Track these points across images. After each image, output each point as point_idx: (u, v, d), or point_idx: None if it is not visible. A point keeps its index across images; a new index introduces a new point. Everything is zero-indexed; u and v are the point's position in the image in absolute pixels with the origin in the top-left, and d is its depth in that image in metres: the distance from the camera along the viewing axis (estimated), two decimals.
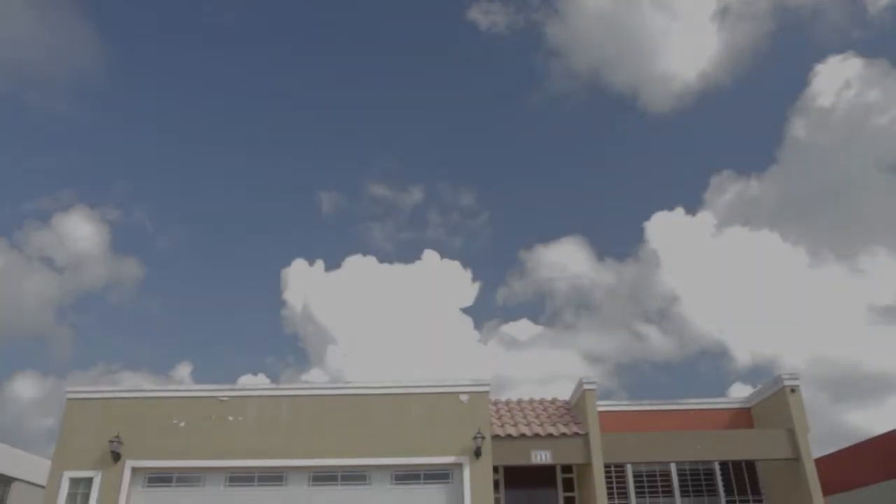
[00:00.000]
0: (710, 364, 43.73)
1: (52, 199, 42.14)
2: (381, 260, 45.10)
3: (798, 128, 40.38)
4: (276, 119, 42.76)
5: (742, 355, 41.99)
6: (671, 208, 44.46)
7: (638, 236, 45.32)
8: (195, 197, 42.75)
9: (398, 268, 43.43)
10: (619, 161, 43.36)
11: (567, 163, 44.13)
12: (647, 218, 45.11)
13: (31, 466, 16.84)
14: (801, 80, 44.77)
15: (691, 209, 46.85)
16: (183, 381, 30.38)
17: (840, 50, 44.50)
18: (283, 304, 43.76)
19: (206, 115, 41.98)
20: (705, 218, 43.79)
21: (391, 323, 42.31)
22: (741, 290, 41.11)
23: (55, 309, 43.16)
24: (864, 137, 36.56)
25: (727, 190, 43.31)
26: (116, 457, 11.55)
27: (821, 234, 42.46)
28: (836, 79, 38.82)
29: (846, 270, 40.60)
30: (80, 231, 41.08)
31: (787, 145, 41.57)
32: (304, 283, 42.96)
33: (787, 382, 12.32)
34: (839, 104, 37.88)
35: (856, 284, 39.65)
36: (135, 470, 11.65)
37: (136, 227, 42.66)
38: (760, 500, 12.89)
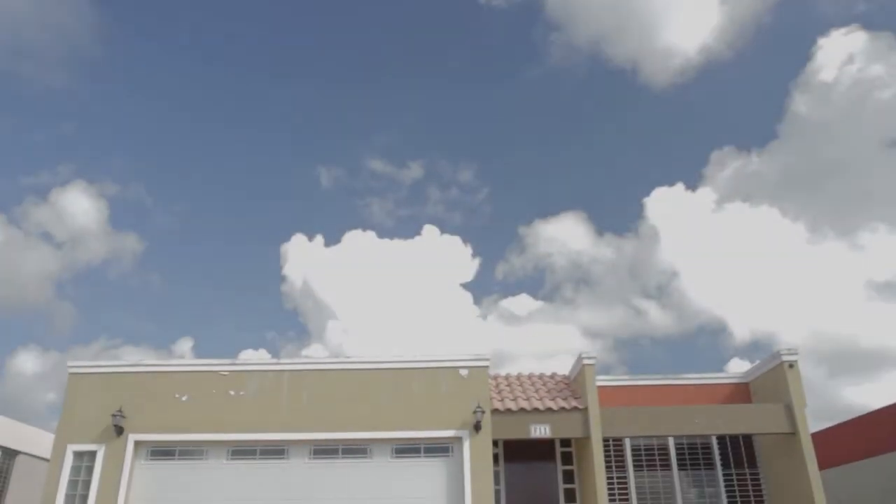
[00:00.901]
0: (708, 339, 43.94)
1: (49, 174, 41.96)
2: (381, 235, 45.08)
3: (799, 103, 40.11)
4: (275, 93, 42.49)
5: (740, 331, 42.19)
6: (671, 184, 44.36)
7: (638, 212, 45.22)
8: (194, 172, 42.64)
9: (398, 243, 43.44)
10: (620, 136, 43.12)
11: (567, 138, 43.92)
12: (647, 194, 45.07)
13: (34, 440, 17.02)
14: (803, 54, 44.36)
15: (691, 185, 46.77)
16: (184, 356, 30.47)
17: (844, 23, 43.96)
18: (283, 279, 43.84)
19: (205, 90, 41.70)
20: (705, 194, 43.69)
21: (391, 298, 42.43)
22: (740, 266, 41.17)
23: (55, 284, 43.28)
24: (866, 112, 36.32)
25: (727, 165, 43.14)
26: (119, 430, 11.66)
27: (821, 210, 42.41)
28: (839, 53, 38.46)
29: (846, 246, 40.60)
30: (79, 206, 41.02)
31: (788, 120, 41.32)
32: (303, 258, 43.01)
33: (785, 358, 12.38)
34: (842, 78, 37.57)
35: (855, 260, 39.69)
36: (137, 443, 11.77)
37: (134, 203, 42.58)
38: (757, 474, 13.03)
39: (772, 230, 40.79)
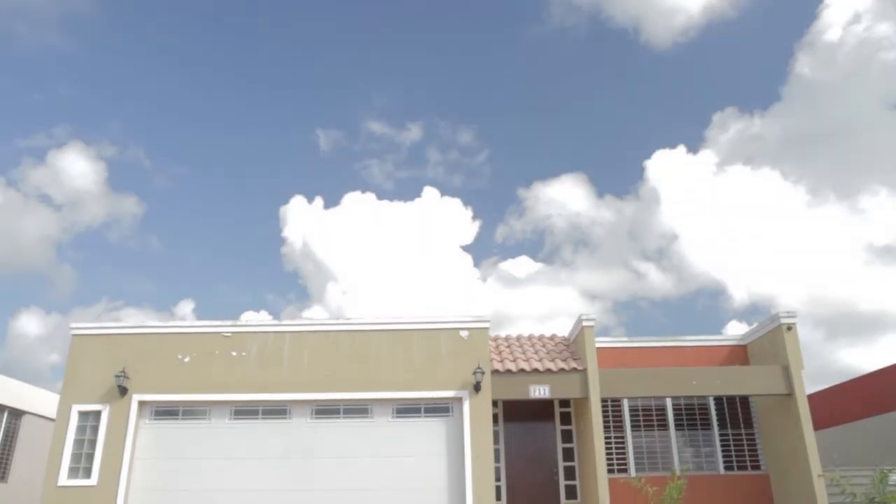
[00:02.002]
0: (707, 302, 44.15)
1: (46, 136, 41.59)
2: (381, 197, 44.95)
3: (804, 64, 39.63)
4: (273, 55, 41.89)
5: (739, 294, 42.39)
6: (673, 146, 44.09)
7: (638, 174, 45.02)
8: (192, 134, 42.27)
9: (398, 205, 43.35)
10: (621, 97, 42.60)
11: (567, 99, 43.47)
12: (648, 156, 44.84)
13: (40, 400, 17.23)
14: (809, 14, 43.53)
15: (693, 147, 46.46)
16: (185, 317, 30.69)
17: None
18: (282, 241, 43.87)
19: (204, 51, 41.08)
20: (707, 156, 43.45)
21: (391, 260, 42.51)
22: (740, 229, 41.18)
23: (55, 246, 43.31)
24: (871, 73, 35.90)
25: (729, 128, 42.82)
26: (123, 391, 11.79)
27: (822, 173, 42.24)
28: (845, 12, 37.86)
29: (846, 210, 40.54)
30: (77, 168, 40.79)
31: (791, 82, 40.88)
32: (303, 220, 42.98)
33: (783, 320, 12.45)
34: (847, 39, 37.04)
35: (855, 224, 39.67)
36: (141, 403, 11.92)
37: (132, 165, 42.31)
38: (752, 434, 13.22)
39: (772, 193, 40.68)
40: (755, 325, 13.65)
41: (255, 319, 13.91)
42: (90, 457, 11.57)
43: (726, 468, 12.93)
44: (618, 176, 47.76)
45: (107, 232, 43.64)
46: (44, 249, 41.58)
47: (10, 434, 16.45)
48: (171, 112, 40.87)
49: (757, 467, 12.96)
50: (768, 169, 42.22)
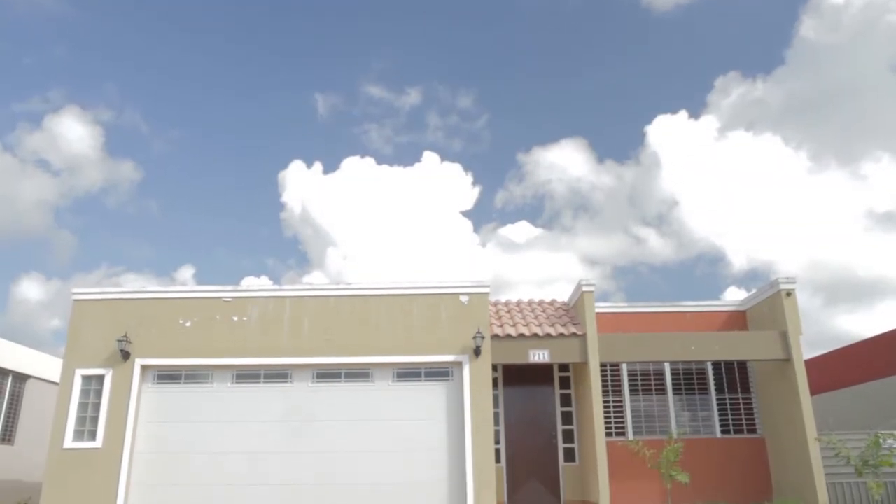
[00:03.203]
0: (706, 268, 44.26)
1: (42, 100, 41.26)
2: (380, 162, 44.75)
3: (808, 27, 39.09)
4: (271, 19, 41.26)
5: (738, 260, 42.46)
6: (674, 111, 43.77)
7: (639, 139, 44.77)
8: (189, 99, 41.91)
9: (397, 170, 43.18)
10: (622, 61, 42.11)
11: (568, 63, 42.94)
12: (649, 121, 44.52)
13: (43, 364, 17.37)
14: None
15: (694, 112, 46.08)
16: (186, 282, 30.82)
17: None
18: (282, 206, 43.80)
19: (199, 14, 40.45)
20: (708, 122, 43.13)
21: (391, 225, 42.51)
22: (741, 195, 41.08)
23: (53, 212, 43.27)
24: (876, 36, 35.46)
25: (731, 92, 42.42)
26: (126, 355, 11.88)
27: (824, 138, 41.98)
28: None
29: (847, 176, 40.37)
30: (73, 133, 40.60)
31: (796, 45, 40.39)
32: (302, 185, 42.87)
33: (783, 286, 12.48)
34: (853, 1, 36.49)
35: (856, 190, 39.54)
36: (144, 367, 12.02)
37: (129, 129, 42.07)
38: (749, 398, 13.35)
39: (773, 159, 40.48)
40: (754, 290, 13.70)
41: (256, 285, 13.95)
42: (94, 420, 11.71)
43: (723, 432, 13.09)
44: (618, 141, 47.51)
45: (105, 197, 43.58)
46: (42, 215, 41.58)
47: (15, 398, 16.63)
48: (167, 76, 40.46)
49: (753, 431, 13.12)
50: (770, 134, 41.94)
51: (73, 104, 42.40)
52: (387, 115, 46.05)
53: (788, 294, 12.46)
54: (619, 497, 11.68)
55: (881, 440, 10.39)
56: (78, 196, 44.29)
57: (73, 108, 42.24)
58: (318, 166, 43.02)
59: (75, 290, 12.47)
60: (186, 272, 43.53)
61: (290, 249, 48.94)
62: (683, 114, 42.07)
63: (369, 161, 42.74)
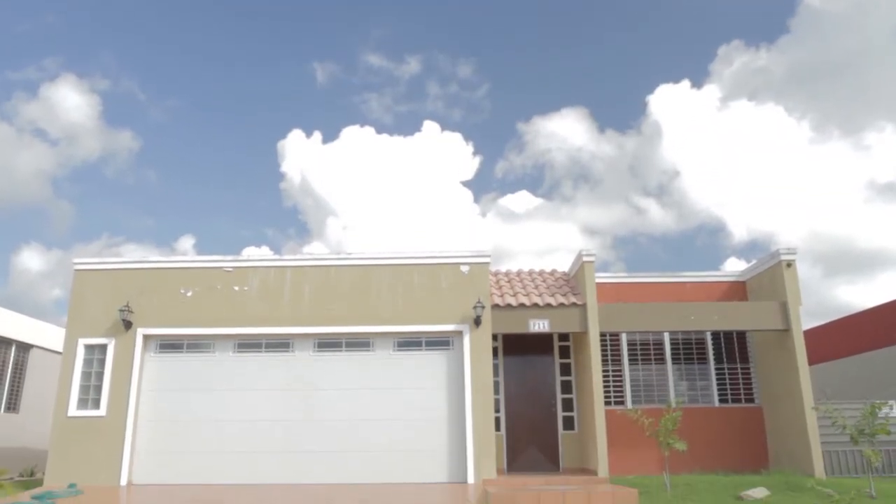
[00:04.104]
0: (707, 239, 44.26)
1: (37, 68, 40.83)
2: (380, 131, 44.48)
3: None
4: None
5: (739, 230, 42.44)
6: (676, 81, 43.31)
7: (640, 109, 44.43)
8: (186, 67, 41.47)
9: (397, 140, 42.94)
10: (624, 29, 41.59)
11: (569, 31, 42.42)
12: (651, 91, 44.12)
13: (46, 334, 17.47)
14: None
15: (697, 82, 45.66)
16: (187, 252, 30.82)
17: None
18: (281, 176, 43.67)
19: None
20: (710, 91, 42.76)
21: (391, 195, 42.40)
22: (742, 166, 40.89)
23: (52, 182, 43.15)
24: (882, 5, 34.97)
25: (734, 61, 41.98)
26: (128, 325, 11.94)
27: (828, 108, 41.65)
28: None
29: (850, 146, 40.13)
30: (70, 101, 40.30)
31: (800, 13, 39.85)
32: (301, 154, 42.66)
33: (783, 257, 12.48)
34: None
35: (858, 160, 39.33)
36: (146, 337, 12.09)
37: (126, 98, 41.74)
38: (748, 368, 13.44)
39: (775, 129, 40.21)
40: (754, 261, 13.70)
41: (257, 255, 13.98)
42: (98, 388, 11.82)
43: (721, 401, 13.20)
44: (619, 110, 47.16)
45: (103, 167, 43.42)
46: (40, 185, 41.47)
47: (19, 367, 16.76)
48: (163, 44, 39.99)
49: (751, 400, 13.23)
50: (772, 104, 41.61)
51: (69, 72, 42.03)
52: (386, 84, 45.65)
53: (789, 265, 12.47)
54: (617, 465, 11.82)
55: (877, 409, 10.48)
56: (76, 166, 44.15)
57: (69, 77, 41.90)
58: (317, 136, 42.80)
59: (76, 261, 12.49)
60: (186, 242, 43.58)
61: (290, 219, 48.91)
62: (686, 83, 41.68)
63: (369, 130, 42.50)
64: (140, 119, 42.51)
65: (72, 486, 10.81)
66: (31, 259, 43.01)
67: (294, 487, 10.96)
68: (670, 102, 40.92)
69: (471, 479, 11.11)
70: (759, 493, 10.06)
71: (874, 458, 9.99)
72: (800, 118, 42.87)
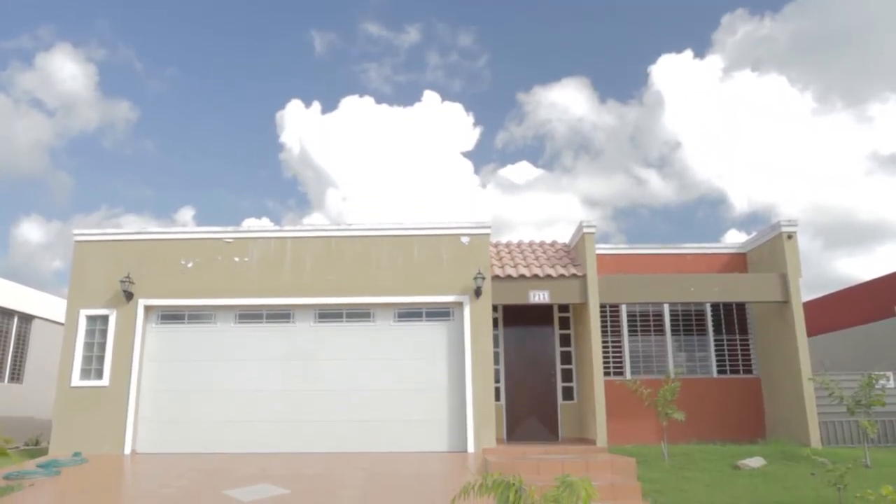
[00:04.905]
0: (707, 211, 44.19)
1: (31, 37, 40.35)
2: (379, 101, 44.15)
3: None
4: None
5: (740, 202, 42.36)
6: (679, 51, 42.85)
7: (642, 79, 44.01)
8: (183, 36, 40.99)
9: (397, 110, 42.63)
10: None
11: (570, 0, 41.84)
12: (654, 61, 43.63)
13: (48, 305, 17.54)
14: None
15: (700, 52, 45.15)
16: (186, 224, 30.79)
17: None
18: (280, 147, 43.46)
19: None
20: (713, 61, 42.32)
21: (391, 166, 42.22)
22: (744, 137, 40.65)
23: (49, 153, 42.96)
24: None
25: (738, 30, 41.48)
26: (129, 296, 11.97)
27: (831, 79, 41.26)
28: None
29: (853, 118, 39.84)
30: (66, 71, 39.93)
31: None
32: (300, 125, 42.39)
33: (784, 228, 12.46)
34: None
35: (861, 132, 39.07)
36: (147, 308, 12.13)
37: (123, 68, 41.33)
38: (747, 340, 13.50)
39: (778, 100, 39.88)
40: (755, 233, 13.69)
41: (257, 226, 13.96)
42: (100, 359, 11.90)
43: (719, 372, 13.29)
44: (621, 81, 46.69)
45: (101, 138, 43.19)
46: (38, 156, 41.30)
47: (22, 338, 16.85)
48: (159, 13, 39.47)
49: (749, 371, 13.32)
50: (775, 74, 41.20)
51: (65, 41, 41.60)
52: (386, 53, 45.17)
53: (790, 237, 12.46)
54: (615, 434, 11.94)
55: (874, 381, 10.56)
56: (74, 136, 43.91)
57: (65, 46, 41.45)
58: (316, 106, 42.48)
59: (76, 232, 12.48)
60: (186, 213, 43.56)
61: (290, 191, 48.82)
62: (688, 53, 41.29)
63: (368, 101, 42.19)
64: (137, 89, 42.20)
65: (76, 454, 10.94)
66: (31, 230, 43.05)
67: (296, 456, 11.09)
68: (673, 73, 40.55)
69: (471, 448, 11.24)
70: (756, 462, 10.19)
71: (870, 429, 10.08)
72: (803, 89, 42.52)
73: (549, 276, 12.33)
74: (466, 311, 11.82)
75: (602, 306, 12.83)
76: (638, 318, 13.54)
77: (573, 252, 13.68)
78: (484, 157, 48.55)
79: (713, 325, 13.56)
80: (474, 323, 11.77)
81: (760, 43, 41.44)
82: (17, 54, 40.10)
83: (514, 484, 3.97)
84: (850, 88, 40.84)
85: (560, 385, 13.16)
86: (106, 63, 41.51)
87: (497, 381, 12.73)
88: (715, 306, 13.62)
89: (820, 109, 42.32)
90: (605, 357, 12.86)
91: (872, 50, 37.23)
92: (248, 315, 12.26)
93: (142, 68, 41.25)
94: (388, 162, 42.37)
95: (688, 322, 13.57)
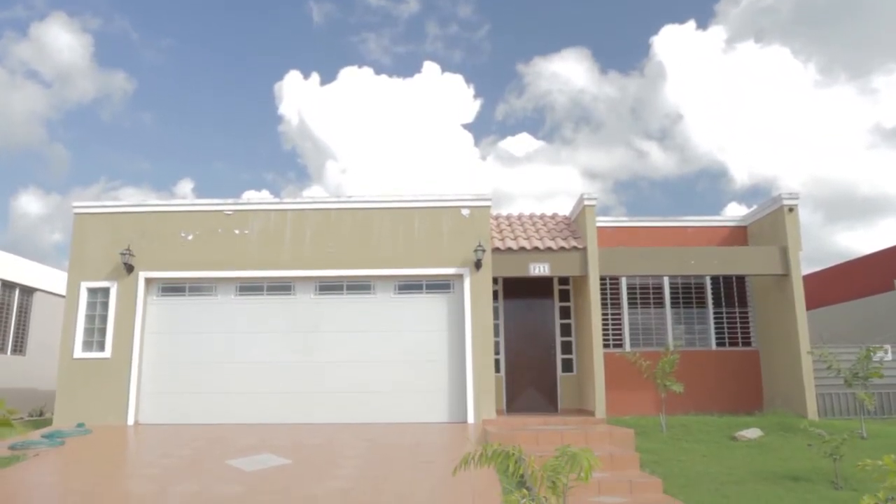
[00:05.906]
0: (708, 183, 44.05)
1: (25, 7, 39.88)
2: (378, 72, 43.72)
3: None
4: None
5: (740, 175, 42.19)
6: (682, 21, 42.35)
7: (644, 50, 43.59)
8: (179, 6, 40.52)
9: (396, 81, 42.26)
10: None
11: None
12: (656, 31, 43.18)
13: (49, 277, 17.57)
14: None
15: (702, 22, 44.63)
16: (186, 196, 30.71)
17: None
18: (279, 119, 43.17)
19: None
20: (716, 32, 41.84)
21: (390, 138, 41.98)
22: (746, 109, 40.34)
23: (45, 124, 42.70)
24: None
25: (741, 1, 40.92)
26: (129, 268, 11.99)
27: (835, 50, 40.82)
28: None
29: (856, 90, 39.48)
30: (62, 41, 39.51)
31: None
32: (299, 96, 42.05)
33: (785, 202, 12.42)
34: None
35: (864, 105, 38.75)
36: (148, 280, 12.15)
37: (119, 38, 40.91)
38: (746, 313, 13.54)
39: (781, 72, 39.50)
40: (755, 206, 13.65)
41: (257, 198, 13.92)
42: (102, 331, 11.96)
43: (718, 345, 13.35)
44: (622, 52, 46.24)
45: (98, 109, 42.88)
46: (36, 128, 41.03)
47: (24, 310, 16.91)
48: None
49: (748, 344, 13.38)
50: (778, 45, 40.77)
51: (59, 10, 41.10)
52: (384, 23, 44.68)
53: (791, 210, 12.42)
54: (614, 406, 12.03)
55: (872, 353, 10.62)
56: (70, 108, 43.62)
57: (59, 15, 40.97)
58: (314, 77, 42.14)
59: (76, 204, 12.45)
60: (185, 186, 43.43)
61: (290, 163, 48.62)
62: (691, 24, 40.82)
63: (367, 71, 41.83)
64: (134, 60, 41.80)
65: (80, 425, 11.04)
66: (30, 203, 42.96)
67: (297, 427, 11.19)
68: (675, 44, 40.13)
69: (471, 420, 11.34)
70: (753, 433, 10.29)
71: (868, 401, 10.16)
72: (806, 61, 42.11)
73: (549, 249, 12.33)
74: (467, 283, 11.84)
75: (602, 279, 12.85)
76: (638, 291, 13.56)
77: (573, 224, 13.66)
78: (484, 129, 48.28)
79: (713, 298, 13.59)
80: (474, 295, 11.80)
81: (764, 14, 40.95)
82: (11, 24, 39.69)
83: (513, 454, 4.01)
84: (853, 60, 40.44)
85: (560, 357, 13.23)
86: (101, 33, 41.12)
87: (497, 352, 12.79)
88: (715, 279, 13.63)
89: (823, 82, 41.96)
90: (604, 329, 12.91)
91: (877, 22, 36.78)
92: (249, 287, 12.28)
93: (138, 38, 40.85)
94: (388, 134, 42.13)
95: (687, 295, 13.59)
